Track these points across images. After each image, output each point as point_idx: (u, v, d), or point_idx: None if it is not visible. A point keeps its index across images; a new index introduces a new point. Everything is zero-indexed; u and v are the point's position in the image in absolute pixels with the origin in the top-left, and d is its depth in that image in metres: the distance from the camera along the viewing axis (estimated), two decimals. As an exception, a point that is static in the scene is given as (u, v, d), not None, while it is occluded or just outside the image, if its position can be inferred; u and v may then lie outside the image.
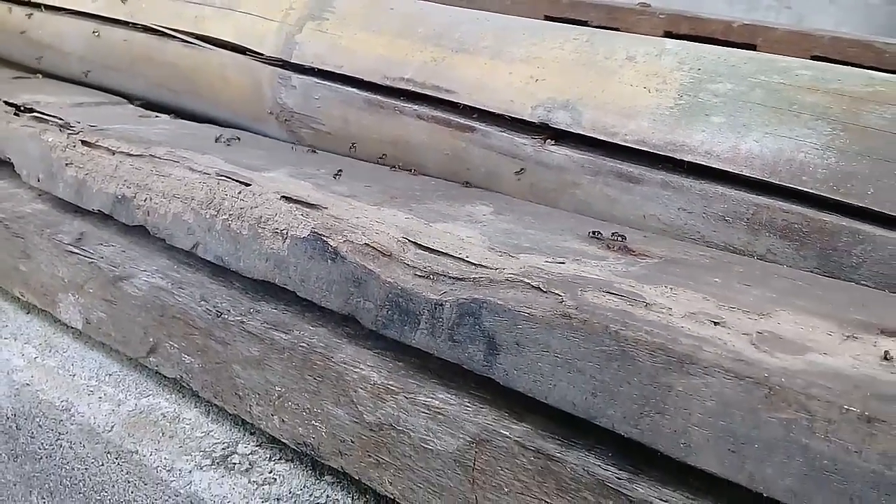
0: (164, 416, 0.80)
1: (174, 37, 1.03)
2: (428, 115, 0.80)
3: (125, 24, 1.09)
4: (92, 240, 0.86)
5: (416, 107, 0.81)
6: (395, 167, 0.84)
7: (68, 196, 0.89)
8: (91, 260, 0.84)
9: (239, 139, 0.92)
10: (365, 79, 0.85)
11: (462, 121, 0.78)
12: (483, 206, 0.72)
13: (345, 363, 0.63)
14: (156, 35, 1.05)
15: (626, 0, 1.15)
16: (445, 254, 0.59)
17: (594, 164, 0.70)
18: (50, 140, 0.91)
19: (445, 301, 0.56)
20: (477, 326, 0.54)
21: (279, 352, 0.67)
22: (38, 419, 0.90)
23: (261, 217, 0.69)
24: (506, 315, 0.52)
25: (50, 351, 0.93)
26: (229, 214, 0.71)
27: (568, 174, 0.71)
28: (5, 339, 0.97)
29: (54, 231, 0.89)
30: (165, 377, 0.82)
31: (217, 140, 0.89)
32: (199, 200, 0.74)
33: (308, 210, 0.67)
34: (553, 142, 0.72)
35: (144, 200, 0.79)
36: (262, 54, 0.94)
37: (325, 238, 0.63)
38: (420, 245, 0.61)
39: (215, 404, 0.77)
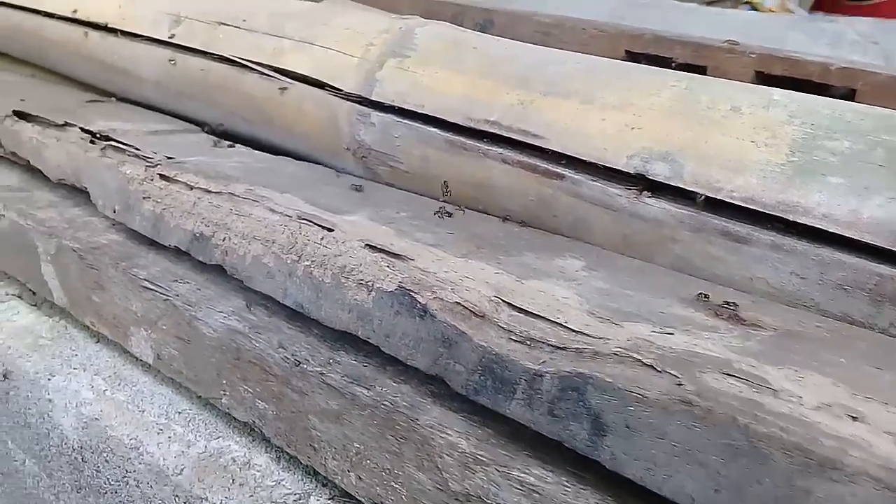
0: (235, 461, 0.78)
1: (251, 68, 1.02)
2: (514, 159, 0.77)
3: (202, 53, 1.09)
4: (167, 276, 0.85)
5: (500, 150, 0.78)
6: (476, 210, 0.82)
7: (145, 230, 0.88)
8: (166, 297, 0.82)
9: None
10: (447, 119, 0.82)
11: (550, 167, 0.75)
12: (574, 259, 0.69)
13: (430, 426, 0.60)
14: (233, 66, 1.04)
15: (709, 35, 1.11)
16: (542, 317, 0.56)
17: (696, 220, 0.66)
18: (128, 172, 0.90)
19: (545, 372, 0.52)
20: (581, 403, 0.50)
21: (360, 408, 0.65)
22: (105, 454, 0.89)
23: (344, 266, 0.66)
24: (615, 395, 0.49)
25: (119, 384, 0.93)
26: (311, 261, 0.69)
27: (666, 229, 0.68)
28: (75, 369, 0.96)
29: (130, 264, 0.88)
30: (236, 419, 0.80)
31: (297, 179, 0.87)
32: (280, 244, 0.72)
33: (393, 261, 0.65)
34: (650, 194, 0.68)
35: (223, 240, 0.78)
36: (340, 90, 0.92)
37: (413, 294, 0.61)
38: (514, 306, 0.58)
39: (287, 452, 0.74)
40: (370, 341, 0.65)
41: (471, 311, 0.58)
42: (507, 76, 0.80)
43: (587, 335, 0.53)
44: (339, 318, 0.67)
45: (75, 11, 1.31)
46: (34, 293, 1.10)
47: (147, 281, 0.85)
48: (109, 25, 1.24)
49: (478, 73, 0.82)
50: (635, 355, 0.50)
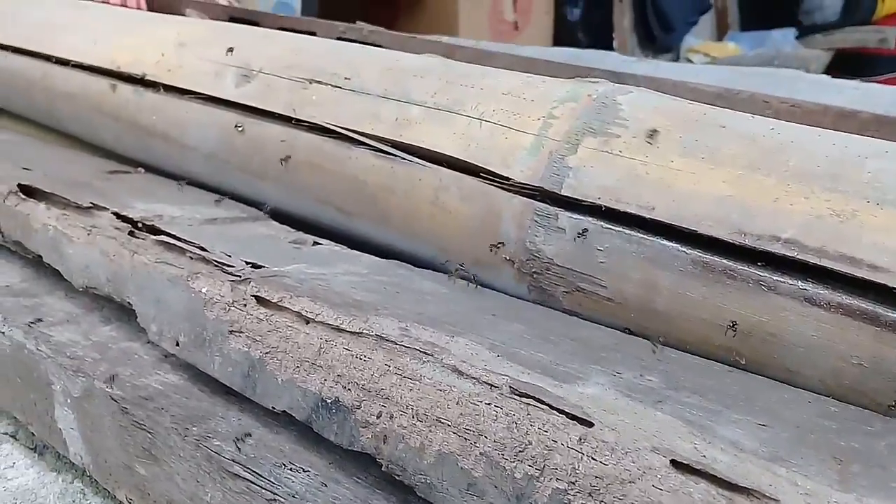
0: None
1: (360, 142, 0.75)
2: (828, 300, 0.51)
3: (286, 119, 0.81)
4: (268, 456, 0.56)
5: (801, 284, 0.52)
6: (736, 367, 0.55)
7: (230, 379, 0.59)
8: (272, 497, 0.53)
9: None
10: (698, 231, 0.56)
11: (899, 317, 0.48)
12: None
13: None
14: (331, 138, 0.77)
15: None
16: None
17: None
18: (204, 291, 0.62)
19: None
20: None
21: None
22: None
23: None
24: None
25: None
26: (569, 483, 0.41)
27: None
28: (103, 569, 0.66)
29: (205, 431, 0.58)
30: None
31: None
32: (495, 440, 0.44)
33: (737, 497, 0.37)
34: None
35: (378, 416, 0.49)
36: (507, 179, 0.65)
37: (834, 589, 0.33)
38: None
39: None
40: None
41: None
42: (797, 171, 0.54)
43: None
44: (631, 591, 0.39)
45: (99, 58, 1.03)
46: (34, 434, 0.80)
47: (237, 464, 0.56)
48: (147, 78, 0.96)
49: (745, 166, 0.56)
50: None
